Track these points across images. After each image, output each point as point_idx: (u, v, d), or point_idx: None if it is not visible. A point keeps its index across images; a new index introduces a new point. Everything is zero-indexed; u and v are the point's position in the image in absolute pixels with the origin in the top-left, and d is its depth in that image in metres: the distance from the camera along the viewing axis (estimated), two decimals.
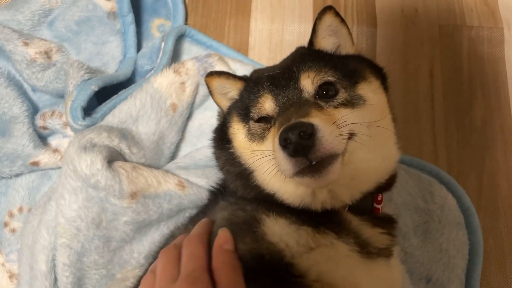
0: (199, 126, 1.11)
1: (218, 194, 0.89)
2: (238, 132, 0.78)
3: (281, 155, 0.63)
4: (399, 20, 1.27)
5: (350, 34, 0.84)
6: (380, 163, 0.75)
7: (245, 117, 0.77)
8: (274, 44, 1.25)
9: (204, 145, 1.09)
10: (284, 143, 0.62)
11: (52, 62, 1.09)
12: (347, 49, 0.84)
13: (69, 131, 1.04)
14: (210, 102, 1.12)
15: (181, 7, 1.22)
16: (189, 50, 1.19)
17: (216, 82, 0.85)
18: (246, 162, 0.76)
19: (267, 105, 0.73)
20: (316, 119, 0.64)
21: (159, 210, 0.92)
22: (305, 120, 0.63)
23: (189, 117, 1.11)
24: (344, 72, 0.75)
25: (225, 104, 0.86)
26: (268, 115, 0.73)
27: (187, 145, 1.11)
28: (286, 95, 0.72)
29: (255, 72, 0.87)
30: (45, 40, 1.13)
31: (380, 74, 0.82)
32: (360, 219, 0.75)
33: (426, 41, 1.25)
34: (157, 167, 1.02)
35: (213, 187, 0.92)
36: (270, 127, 0.73)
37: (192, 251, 0.68)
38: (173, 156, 1.09)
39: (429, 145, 1.17)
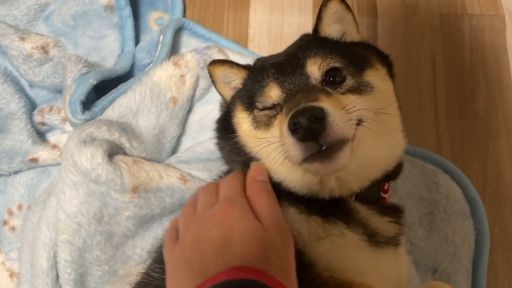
0: (200, 119, 1.10)
1: None
2: (243, 121, 0.76)
3: (290, 140, 0.62)
4: (400, 10, 1.26)
5: (355, 21, 0.83)
6: (388, 150, 0.74)
7: (250, 106, 0.75)
8: (274, 35, 1.24)
9: (206, 139, 1.08)
10: (294, 127, 0.60)
11: (49, 57, 1.08)
12: (352, 36, 0.83)
13: (68, 127, 1.02)
14: (211, 95, 1.11)
15: (179, 0, 1.20)
16: (188, 43, 1.17)
17: (219, 71, 0.83)
18: (251, 150, 0.75)
19: (273, 92, 0.72)
20: (325, 103, 0.63)
21: (161, 205, 0.91)
22: (315, 104, 0.62)
23: (189, 110, 1.09)
24: (351, 58, 0.74)
25: (228, 93, 0.84)
26: (274, 103, 0.72)
27: (188, 139, 1.09)
28: (292, 81, 0.71)
29: (259, 60, 0.85)
30: (42, 35, 1.11)
31: (386, 62, 0.81)
32: (368, 208, 0.74)
33: (427, 31, 1.24)
34: (159, 161, 1.00)
35: (215, 180, 0.91)
36: (276, 114, 0.71)
37: (228, 184, 0.73)
38: (174, 150, 1.07)
39: (433, 135, 1.16)
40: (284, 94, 0.71)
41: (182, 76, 1.03)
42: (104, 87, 1.03)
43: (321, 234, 0.68)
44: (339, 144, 0.62)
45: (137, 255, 0.92)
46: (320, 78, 0.71)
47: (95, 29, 1.13)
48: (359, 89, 0.71)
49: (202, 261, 0.60)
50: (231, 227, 0.63)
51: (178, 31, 1.16)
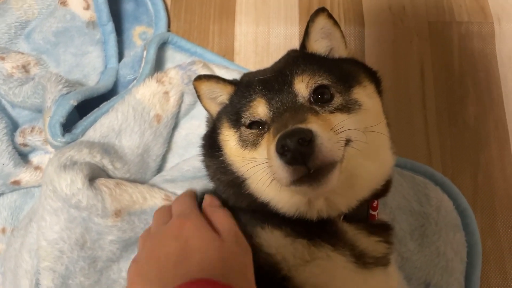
0: (186, 136, 1.08)
1: None
2: (229, 138, 0.75)
3: (277, 163, 0.60)
4: (387, 18, 1.24)
5: (343, 37, 0.82)
6: (376, 169, 0.73)
7: (236, 123, 0.74)
8: (260, 47, 1.22)
9: (192, 156, 1.06)
10: (282, 150, 0.59)
11: (30, 76, 1.06)
12: (340, 52, 0.82)
13: (50, 148, 1.00)
14: (196, 110, 1.09)
15: (163, 14, 1.18)
16: (173, 57, 1.15)
17: (205, 86, 0.82)
18: (238, 170, 0.74)
19: (260, 109, 0.71)
20: (314, 125, 0.61)
21: (146, 227, 0.89)
22: (303, 126, 0.60)
23: (175, 127, 1.07)
24: (339, 75, 0.73)
25: (214, 109, 0.83)
26: (261, 119, 0.71)
27: (174, 156, 1.07)
28: (279, 99, 0.69)
29: (246, 75, 0.84)
30: (23, 53, 1.09)
31: (374, 78, 0.80)
32: (356, 227, 0.73)
33: (415, 39, 1.22)
34: (143, 181, 0.98)
35: (202, 198, 0.89)
36: (264, 133, 0.70)
37: (180, 201, 0.77)
38: (160, 169, 1.05)
39: (423, 145, 1.14)
40: (272, 113, 0.69)
41: (166, 93, 1.01)
42: (87, 105, 1.01)
43: (307, 258, 0.67)
44: (328, 166, 0.61)
45: (123, 278, 0.90)
46: (308, 96, 0.70)
47: (77, 46, 1.11)
48: (347, 107, 0.70)
49: (160, 275, 0.61)
50: (187, 239, 0.64)
51: (162, 46, 1.14)
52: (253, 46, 1.22)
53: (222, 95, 0.81)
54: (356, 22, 1.23)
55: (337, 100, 0.70)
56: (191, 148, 1.08)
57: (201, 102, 0.84)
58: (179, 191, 0.95)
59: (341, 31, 0.81)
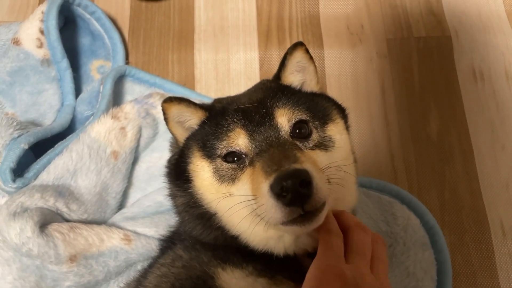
0: (147, 169, 1.07)
1: (170, 242, 0.83)
2: (202, 169, 0.71)
3: (271, 203, 0.58)
4: (346, 38, 1.25)
5: (316, 72, 0.82)
6: (345, 206, 0.73)
7: (210, 153, 0.70)
8: (221, 74, 1.22)
9: (154, 189, 1.05)
10: (281, 191, 0.57)
11: None
12: (311, 86, 0.82)
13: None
14: (157, 143, 1.08)
15: (120, 46, 1.17)
16: (132, 89, 1.14)
17: (175, 109, 0.77)
18: (209, 204, 0.71)
19: (240, 141, 0.68)
20: (308, 165, 0.60)
21: (105, 269, 0.87)
22: (299, 166, 0.59)
23: (135, 161, 1.06)
24: (314, 111, 0.73)
25: (181, 133, 0.79)
26: (240, 151, 0.68)
27: (136, 191, 1.06)
28: (262, 132, 0.67)
29: (218, 101, 0.80)
30: None
31: (343, 114, 0.80)
32: None
33: (374, 57, 1.23)
34: (103, 220, 0.97)
35: (163, 236, 0.87)
36: (244, 167, 0.67)
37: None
38: (121, 205, 1.03)
39: (387, 163, 1.14)
40: (254, 146, 0.67)
41: (123, 128, 1.00)
42: (44, 144, 0.99)
43: None
44: (320, 207, 0.61)
45: None
46: (289, 131, 0.69)
47: (33, 84, 1.10)
48: (324, 144, 0.70)
49: None
50: None
51: (121, 79, 1.13)
52: (214, 73, 1.21)
53: (192, 119, 0.77)
54: (315, 44, 1.24)
55: (315, 136, 0.70)
56: (153, 181, 1.06)
57: (167, 124, 0.80)
58: (140, 229, 0.94)
59: (315, 66, 0.82)
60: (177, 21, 1.26)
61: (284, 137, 0.68)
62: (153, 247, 0.91)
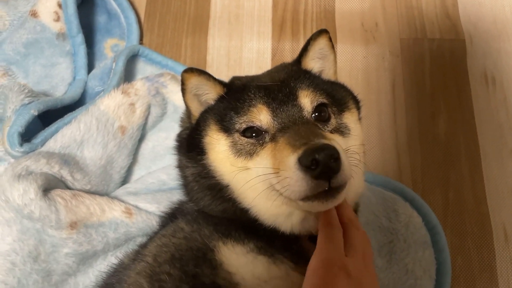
0: (153, 148, 1.07)
1: (171, 217, 0.83)
2: (218, 143, 0.71)
3: (298, 175, 0.59)
4: (360, 35, 1.25)
5: (335, 61, 0.83)
6: (355, 193, 0.74)
7: (228, 127, 0.70)
8: (233, 61, 1.22)
9: (158, 168, 1.05)
10: (310, 164, 0.57)
11: None
12: (329, 75, 0.83)
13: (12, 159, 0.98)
14: (164, 123, 1.08)
15: (135, 27, 1.18)
16: (144, 70, 1.15)
17: (195, 81, 0.75)
18: (222, 176, 0.70)
19: (262, 116, 0.68)
20: (335, 142, 0.61)
21: (104, 240, 0.87)
22: (328, 142, 0.60)
23: (141, 139, 1.06)
24: (333, 98, 0.74)
25: (196, 107, 0.78)
26: (260, 127, 0.68)
27: (140, 168, 1.06)
28: (285, 110, 0.68)
29: (237, 79, 0.81)
30: None
31: (357, 106, 0.81)
32: None
33: (387, 56, 1.23)
34: (106, 194, 0.97)
35: (164, 212, 0.87)
36: (263, 142, 0.67)
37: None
38: (125, 181, 1.04)
39: (393, 161, 1.13)
40: (276, 122, 0.67)
41: (132, 104, 1.00)
42: (54, 117, 1.00)
43: (265, 278, 0.65)
44: (343, 185, 0.61)
45: None
46: (311, 112, 0.70)
47: (47, 57, 1.11)
48: (340, 130, 0.71)
49: None
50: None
51: (133, 58, 1.14)
52: (226, 60, 1.22)
53: (209, 94, 0.76)
54: None
55: (333, 121, 0.71)
56: (158, 160, 1.07)
57: (184, 96, 0.78)
58: (141, 204, 0.94)
59: (335, 56, 0.83)
60: (193, 7, 1.27)
61: (307, 117, 0.69)
62: (153, 223, 0.91)
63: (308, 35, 1.24)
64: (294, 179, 0.59)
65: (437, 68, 1.22)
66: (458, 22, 1.27)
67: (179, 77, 1.07)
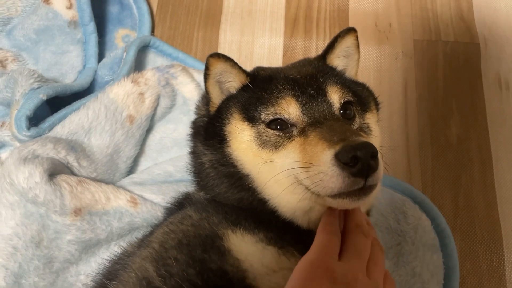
0: (160, 139, 1.06)
1: (179, 206, 0.82)
2: (241, 132, 0.69)
3: (334, 171, 0.58)
4: (373, 35, 1.24)
5: (358, 61, 0.83)
6: (374, 195, 0.72)
7: (252, 117, 0.69)
8: (244, 57, 1.21)
9: (165, 160, 1.04)
10: (350, 160, 0.56)
11: (7, 71, 1.04)
12: (351, 74, 0.83)
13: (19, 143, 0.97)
14: (172, 115, 1.07)
15: (147, 18, 1.18)
16: (154, 61, 1.14)
17: (220, 66, 0.73)
18: (244, 165, 0.69)
19: (291, 109, 0.67)
20: (370, 140, 0.61)
21: (107, 229, 0.86)
22: (367, 140, 0.59)
23: (149, 130, 1.05)
24: (358, 97, 0.74)
25: (217, 94, 0.76)
26: (288, 120, 0.67)
27: (147, 160, 1.05)
28: (315, 105, 0.67)
29: (261, 69, 0.79)
30: (1, 49, 1.08)
31: (377, 108, 0.81)
32: None
33: (400, 56, 1.21)
34: (111, 182, 0.95)
35: (170, 203, 0.86)
36: (291, 135, 0.66)
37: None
38: (130, 171, 1.02)
39: (403, 163, 1.11)
40: (306, 117, 0.66)
41: (141, 94, 0.99)
42: (63, 104, 0.99)
43: (274, 267, 0.64)
44: (375, 184, 0.60)
45: (81, 282, 0.86)
46: (340, 109, 0.69)
47: (58, 44, 1.10)
48: (363, 130, 0.71)
49: None
50: None
51: (144, 49, 1.13)
52: (237, 55, 1.21)
53: (233, 82, 0.75)
54: None
55: (357, 120, 0.71)
56: (165, 152, 1.05)
57: (206, 81, 0.75)
58: (147, 195, 0.93)
59: (359, 56, 0.82)
60: (206, 1, 1.26)
61: (337, 113, 0.68)
62: (158, 214, 0.90)
63: (321, 33, 1.24)
64: (329, 174, 0.58)
65: (450, 70, 1.20)
66: (473, 25, 1.26)
67: (190, 70, 1.07)
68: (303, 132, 0.65)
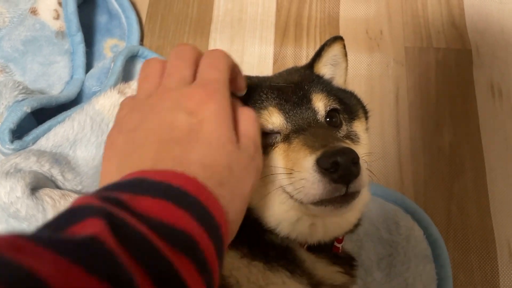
0: None
1: None
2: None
3: (314, 177, 0.56)
4: (364, 42, 1.23)
5: (346, 69, 0.83)
6: (362, 202, 0.71)
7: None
8: None
9: None
10: (330, 166, 0.55)
11: None
12: (339, 83, 0.82)
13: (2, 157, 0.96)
14: None
15: (135, 27, 1.17)
16: None
17: None
18: None
19: (273, 118, 0.66)
20: (352, 147, 0.60)
21: None
22: (348, 146, 0.58)
23: None
24: (345, 105, 0.73)
25: None
26: (272, 130, 0.66)
27: None
28: (299, 113, 0.66)
29: (248, 78, 0.75)
30: None
31: (366, 116, 0.80)
32: (317, 257, 0.69)
33: (391, 64, 1.20)
34: None
35: None
36: (274, 143, 0.65)
37: (213, 63, 0.54)
38: None
39: (395, 171, 1.10)
40: (290, 124, 0.65)
41: None
42: (50, 116, 0.98)
43: (261, 283, 0.63)
44: (357, 192, 0.58)
45: None
46: (325, 117, 0.69)
47: (45, 55, 1.09)
48: (350, 138, 0.70)
49: (152, 148, 0.48)
50: (203, 122, 0.49)
51: (133, 59, 1.13)
52: None
53: None
54: None
55: (344, 127, 0.70)
56: None
57: None
58: None
59: (347, 64, 0.82)
60: (196, 10, 1.26)
61: (321, 120, 0.68)
62: None
63: (311, 41, 1.23)
64: (310, 181, 0.56)
65: (443, 77, 1.19)
66: (465, 31, 1.25)
67: None
68: (287, 139, 0.64)
